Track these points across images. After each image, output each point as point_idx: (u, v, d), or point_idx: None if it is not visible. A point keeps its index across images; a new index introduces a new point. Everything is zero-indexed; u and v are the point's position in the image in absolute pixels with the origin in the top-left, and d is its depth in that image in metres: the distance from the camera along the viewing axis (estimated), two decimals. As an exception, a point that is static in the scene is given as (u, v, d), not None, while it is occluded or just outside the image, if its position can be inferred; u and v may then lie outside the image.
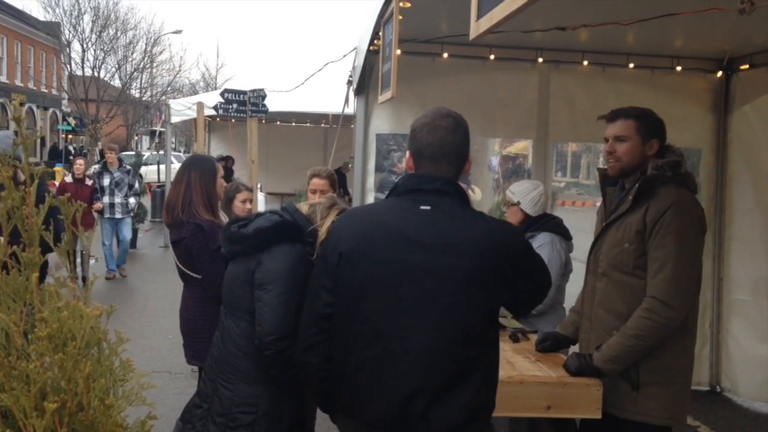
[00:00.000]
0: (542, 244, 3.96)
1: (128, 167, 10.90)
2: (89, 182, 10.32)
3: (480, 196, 5.67)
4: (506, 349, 3.35)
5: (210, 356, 3.28)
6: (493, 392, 2.24)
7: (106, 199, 10.40)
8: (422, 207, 2.18)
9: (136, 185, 10.91)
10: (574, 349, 3.37)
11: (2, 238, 1.68)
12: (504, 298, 2.23)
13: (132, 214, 11.15)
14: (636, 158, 3.00)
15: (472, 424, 2.15)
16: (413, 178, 2.27)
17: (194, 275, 3.82)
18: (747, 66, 5.32)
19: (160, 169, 18.17)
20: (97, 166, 11.06)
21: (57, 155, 36.47)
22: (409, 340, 2.11)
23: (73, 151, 38.54)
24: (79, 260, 9.80)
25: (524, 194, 4.10)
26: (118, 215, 10.58)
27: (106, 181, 10.45)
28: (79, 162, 10.54)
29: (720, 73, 5.57)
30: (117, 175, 10.49)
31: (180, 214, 3.78)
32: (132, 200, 10.75)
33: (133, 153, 23.43)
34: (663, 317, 2.81)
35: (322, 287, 2.26)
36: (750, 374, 5.71)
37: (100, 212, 10.36)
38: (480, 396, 2.15)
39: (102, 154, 14.75)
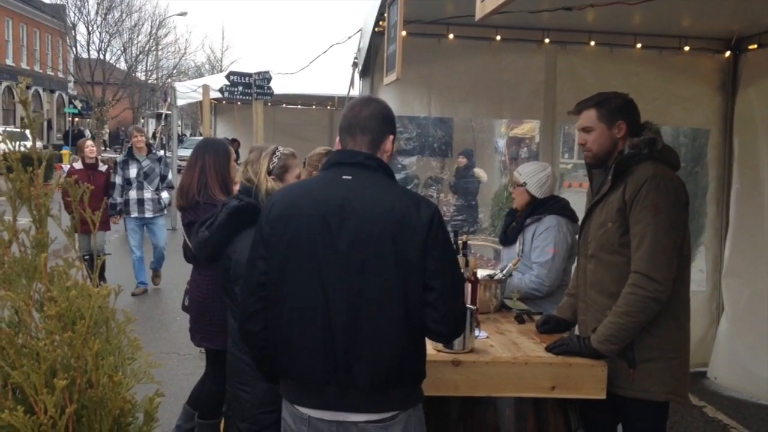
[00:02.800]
0: (549, 227, 3.96)
1: (159, 154, 8.97)
2: (103, 167, 8.63)
3: (486, 177, 5.68)
4: (512, 330, 3.37)
5: (227, 363, 3.31)
6: (419, 357, 2.36)
7: (133, 194, 8.39)
8: (344, 177, 2.35)
9: (170, 176, 8.81)
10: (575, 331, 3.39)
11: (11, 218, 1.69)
12: (420, 267, 2.27)
13: (165, 212, 8.92)
14: (605, 145, 3.05)
15: (399, 387, 2.31)
16: (338, 153, 2.46)
17: None
18: (755, 46, 5.28)
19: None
20: (120, 155, 9.23)
21: (73, 138, 36.47)
22: (331, 297, 2.27)
23: (91, 135, 38.37)
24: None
25: (531, 175, 4.09)
26: (148, 214, 8.47)
27: (132, 172, 8.40)
28: (90, 143, 8.65)
29: (728, 53, 5.53)
30: (146, 164, 8.45)
31: (196, 196, 3.85)
32: (165, 195, 8.60)
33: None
34: (648, 290, 2.82)
35: (258, 257, 2.40)
36: (716, 352, 5.78)
37: (126, 211, 8.47)
38: (404, 358, 2.29)
39: (116, 139, 12.22)
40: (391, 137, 2.44)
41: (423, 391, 2.44)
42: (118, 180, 8.38)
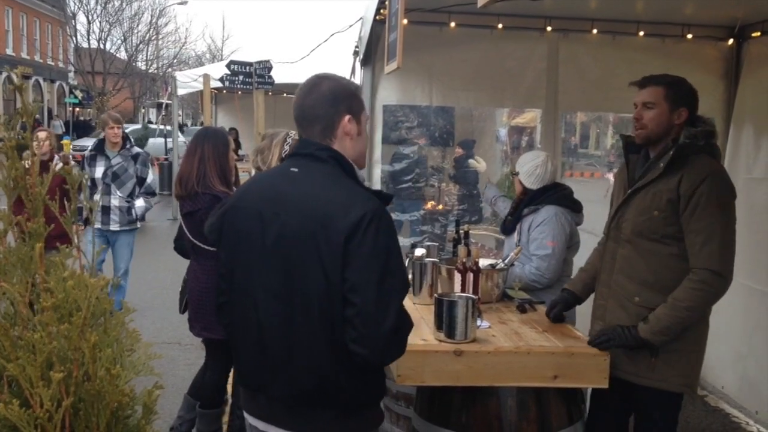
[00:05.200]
0: (546, 218, 3.93)
1: (137, 150, 6.83)
2: (60, 165, 5.96)
3: (484, 166, 5.65)
4: (513, 319, 3.36)
5: None
6: (351, 378, 2.12)
7: (97, 199, 6.41)
8: (292, 169, 2.21)
9: (150, 179, 6.82)
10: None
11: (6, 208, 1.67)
12: (338, 276, 2.03)
13: (138, 226, 6.92)
14: (662, 126, 2.99)
15: (323, 409, 2.14)
16: (297, 144, 2.34)
17: (207, 248, 3.83)
18: (759, 33, 5.23)
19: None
20: (88, 149, 7.11)
21: (81, 129, 36.37)
22: (260, 297, 2.15)
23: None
24: None
25: (522, 165, 4.09)
26: (113, 226, 6.57)
27: (98, 171, 6.54)
28: (43, 135, 6.27)
29: (731, 41, 5.48)
30: (117, 161, 6.56)
31: (195, 186, 3.83)
32: (140, 203, 6.68)
33: (140, 126, 23.31)
34: (717, 288, 2.85)
35: (221, 249, 2.36)
36: None
37: (85, 221, 5.90)
38: (327, 376, 2.10)
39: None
40: (347, 117, 2.20)
41: (367, 422, 2.24)
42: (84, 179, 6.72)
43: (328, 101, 2.20)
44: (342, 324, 2.03)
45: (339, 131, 2.20)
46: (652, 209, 2.96)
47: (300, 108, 2.24)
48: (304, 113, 2.23)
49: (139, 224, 6.90)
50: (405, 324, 2.13)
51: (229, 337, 2.36)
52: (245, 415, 2.33)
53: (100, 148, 6.67)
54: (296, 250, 2.07)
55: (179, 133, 17.03)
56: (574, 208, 4.07)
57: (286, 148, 3.32)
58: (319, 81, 2.25)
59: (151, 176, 6.90)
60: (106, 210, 6.53)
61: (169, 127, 22.11)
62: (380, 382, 2.25)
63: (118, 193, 6.55)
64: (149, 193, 6.82)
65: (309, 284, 2.05)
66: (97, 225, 6.52)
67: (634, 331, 2.93)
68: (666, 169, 2.92)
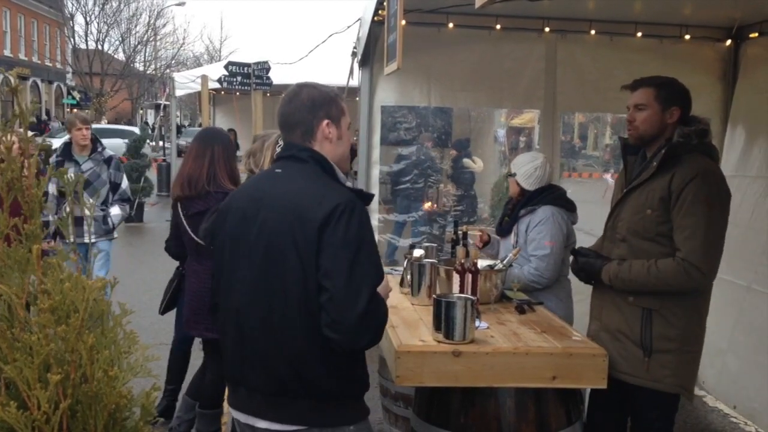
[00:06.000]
0: (542, 219, 3.94)
1: (109, 153, 6.07)
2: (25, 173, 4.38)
3: (481, 166, 5.64)
4: (512, 320, 3.35)
5: None
6: (327, 370, 2.19)
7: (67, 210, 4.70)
8: (276, 170, 2.34)
9: (124, 184, 6.05)
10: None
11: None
12: (314, 265, 2.12)
13: (115, 236, 6.18)
14: (654, 126, 3.02)
15: (299, 399, 2.19)
16: (282, 147, 2.44)
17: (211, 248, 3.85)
18: (756, 34, 5.23)
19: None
20: (54, 154, 6.25)
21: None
22: (242, 292, 2.25)
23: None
24: None
25: (519, 166, 4.09)
26: (88, 237, 5.40)
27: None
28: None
29: (729, 42, 5.48)
30: (87, 166, 5.82)
31: (206, 185, 3.88)
32: (116, 211, 5.93)
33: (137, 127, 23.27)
34: (695, 281, 2.89)
35: (214, 250, 2.46)
36: None
37: (58, 236, 5.27)
38: (303, 367, 2.18)
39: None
40: (326, 121, 2.31)
41: (348, 414, 2.27)
42: (51, 189, 5.55)
43: (306, 108, 2.31)
44: (319, 311, 2.12)
45: (318, 135, 2.32)
46: (645, 208, 2.98)
47: (282, 116, 2.35)
48: (286, 120, 2.34)
49: (115, 233, 6.18)
50: (378, 311, 2.18)
51: (219, 334, 2.43)
52: (230, 409, 2.36)
53: (67, 154, 5.88)
54: (275, 243, 2.17)
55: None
56: (569, 207, 4.08)
57: (278, 150, 3.35)
58: (299, 89, 2.37)
59: (126, 181, 6.14)
60: (78, 221, 5.27)
61: (137, 131, 22.12)
62: (360, 374, 2.31)
63: (91, 201, 5.65)
64: (124, 200, 6.06)
65: (287, 275, 2.14)
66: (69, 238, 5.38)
67: (600, 265, 3.07)
68: (659, 167, 2.95)
